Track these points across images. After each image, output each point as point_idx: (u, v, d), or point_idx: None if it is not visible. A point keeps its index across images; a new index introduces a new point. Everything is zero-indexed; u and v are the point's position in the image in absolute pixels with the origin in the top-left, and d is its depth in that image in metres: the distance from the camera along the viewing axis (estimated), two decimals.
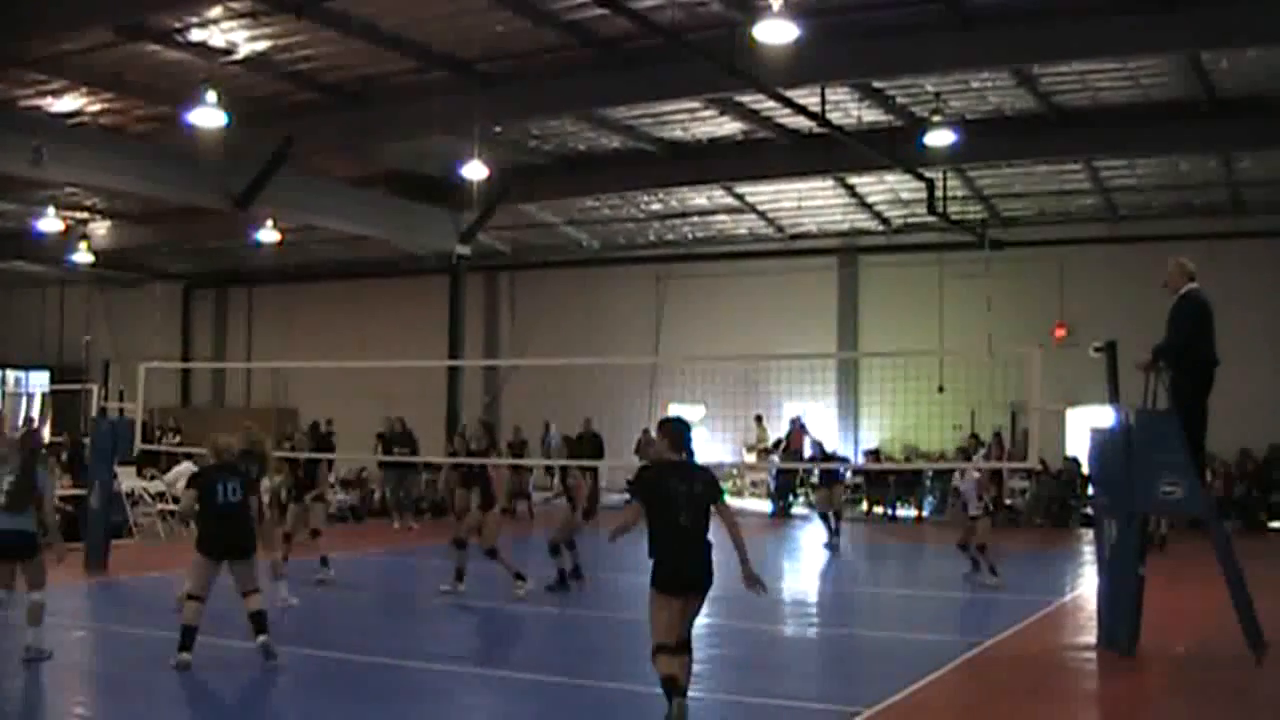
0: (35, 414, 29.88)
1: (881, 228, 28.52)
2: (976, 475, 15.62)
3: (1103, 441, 11.43)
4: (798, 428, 26.45)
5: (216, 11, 17.31)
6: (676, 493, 7.78)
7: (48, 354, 37.69)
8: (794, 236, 29.64)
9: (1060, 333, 25.20)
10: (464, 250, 29.07)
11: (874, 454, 25.61)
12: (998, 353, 21.07)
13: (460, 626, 12.84)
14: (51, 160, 20.89)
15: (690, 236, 30.75)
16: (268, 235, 28.41)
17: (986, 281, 25.41)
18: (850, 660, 11.48)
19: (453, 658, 10.82)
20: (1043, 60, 18.50)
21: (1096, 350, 11.29)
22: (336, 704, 8.98)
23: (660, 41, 17.02)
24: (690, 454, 8.08)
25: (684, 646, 7.80)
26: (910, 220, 27.70)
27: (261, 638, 9.75)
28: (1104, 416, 11.31)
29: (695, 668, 8.04)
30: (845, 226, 28.95)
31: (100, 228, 30.87)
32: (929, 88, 20.30)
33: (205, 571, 9.82)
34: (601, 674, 10.07)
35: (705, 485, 7.93)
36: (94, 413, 17.53)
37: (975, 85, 20.29)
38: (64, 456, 21.50)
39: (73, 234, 29.67)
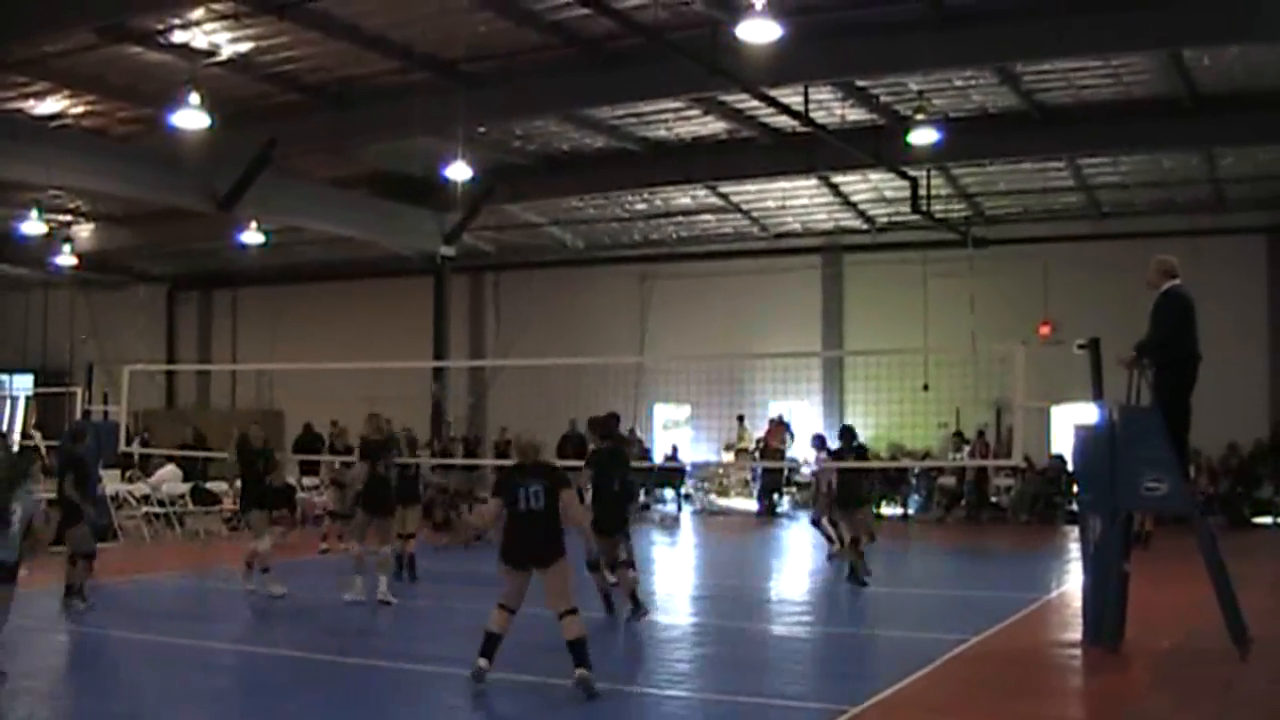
0: (17, 418, 29.52)
1: (865, 226, 28.53)
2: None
3: (1087, 438, 11.47)
4: (777, 424, 26.60)
5: (199, 13, 17.24)
6: (611, 468, 12.31)
7: (31, 357, 37.54)
8: (778, 236, 29.66)
9: (1044, 330, 25.22)
10: (449, 251, 29.07)
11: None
12: (982, 350, 21.09)
13: (448, 627, 12.82)
14: (34, 163, 20.83)
15: (675, 236, 30.75)
16: (252, 237, 28.33)
17: (971, 279, 25.45)
18: (836, 658, 11.50)
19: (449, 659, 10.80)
20: (1025, 58, 18.53)
21: (1080, 347, 11.34)
22: (326, 707, 8.98)
23: (643, 41, 17.04)
24: (616, 443, 12.92)
25: (628, 565, 12.14)
26: (894, 219, 27.72)
27: (579, 671, 8.93)
28: (1088, 413, 11.35)
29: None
30: (829, 225, 28.98)
31: (84, 230, 30.78)
32: (912, 86, 20.33)
33: (510, 580, 9.28)
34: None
35: (627, 467, 12.85)
36: (78, 415, 17.49)
37: (958, 84, 20.32)
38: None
39: (56, 237, 29.57)
